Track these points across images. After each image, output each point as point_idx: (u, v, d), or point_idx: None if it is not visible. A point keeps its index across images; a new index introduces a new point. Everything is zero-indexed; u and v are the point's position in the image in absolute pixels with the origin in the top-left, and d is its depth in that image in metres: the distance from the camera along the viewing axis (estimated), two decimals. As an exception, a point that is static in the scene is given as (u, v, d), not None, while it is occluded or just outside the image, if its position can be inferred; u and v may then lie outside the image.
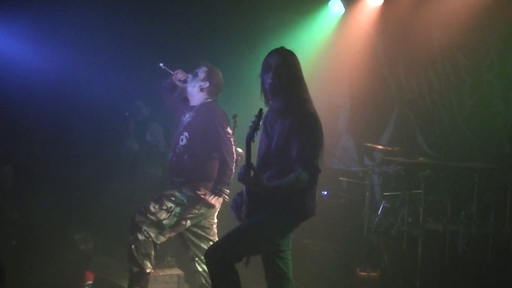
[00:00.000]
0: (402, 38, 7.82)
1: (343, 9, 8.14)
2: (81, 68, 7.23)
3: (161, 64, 5.59)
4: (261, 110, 3.85)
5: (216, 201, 5.25)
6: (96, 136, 7.56)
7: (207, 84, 5.40)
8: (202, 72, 5.42)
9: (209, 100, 5.43)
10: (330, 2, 8.12)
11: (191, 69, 5.51)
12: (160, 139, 7.75)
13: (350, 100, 8.56)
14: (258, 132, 3.84)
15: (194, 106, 5.43)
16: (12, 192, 6.95)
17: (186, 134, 5.31)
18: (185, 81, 5.44)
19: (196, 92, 5.42)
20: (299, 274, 6.26)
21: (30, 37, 7.03)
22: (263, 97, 4.17)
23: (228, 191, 5.29)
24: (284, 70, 4.02)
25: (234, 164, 5.29)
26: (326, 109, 8.57)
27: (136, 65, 7.42)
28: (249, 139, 3.84)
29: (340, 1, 8.08)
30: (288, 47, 4.19)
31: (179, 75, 5.49)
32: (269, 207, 3.96)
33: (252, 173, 3.77)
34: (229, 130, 5.30)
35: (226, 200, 5.28)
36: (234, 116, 5.51)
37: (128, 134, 7.50)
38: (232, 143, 5.30)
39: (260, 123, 3.83)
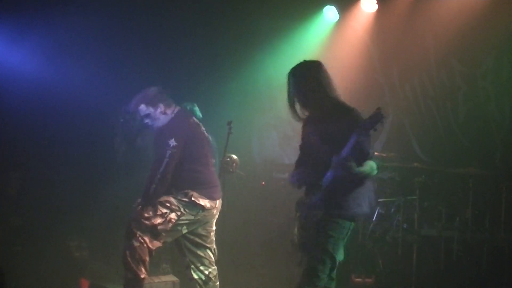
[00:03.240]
0: (396, 45, 7.83)
1: (338, 16, 8.16)
2: (77, 75, 7.22)
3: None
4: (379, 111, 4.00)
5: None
6: (89, 143, 7.54)
7: (160, 105, 5.29)
8: (146, 109, 5.31)
9: (176, 111, 5.37)
10: (324, 9, 8.13)
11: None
12: (150, 147, 7.72)
13: (345, 106, 8.54)
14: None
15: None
16: (17, 199, 6.95)
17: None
18: (147, 117, 5.36)
19: (164, 119, 5.32)
20: (294, 280, 6.28)
21: (34, 48, 7.05)
22: (294, 116, 4.42)
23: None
24: (304, 83, 4.29)
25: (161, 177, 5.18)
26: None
27: (133, 69, 7.41)
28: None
29: (334, 8, 8.09)
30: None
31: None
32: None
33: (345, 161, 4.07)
34: (171, 142, 5.14)
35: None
36: (229, 123, 5.50)
37: (115, 134, 7.49)
38: (167, 156, 5.12)
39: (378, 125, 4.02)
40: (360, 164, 4.15)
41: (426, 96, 7.73)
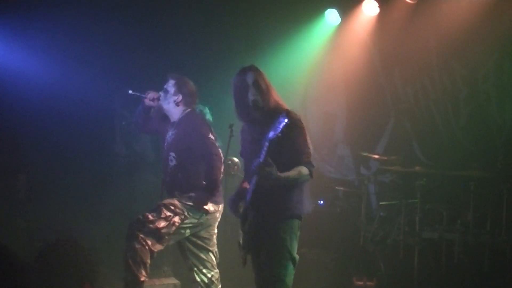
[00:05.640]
0: (398, 47, 7.83)
1: (339, 19, 8.15)
2: (82, 78, 7.23)
3: (130, 91, 5.53)
4: None
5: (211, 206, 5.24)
6: (91, 145, 7.55)
7: (180, 97, 5.33)
8: (171, 87, 5.35)
9: (188, 110, 5.38)
10: (326, 12, 8.12)
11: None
12: (148, 150, 7.70)
13: (346, 109, 8.57)
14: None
15: (174, 122, 5.39)
16: (23, 201, 6.96)
17: (173, 154, 5.27)
18: (158, 99, 5.39)
19: (172, 108, 5.36)
20: (295, 283, 6.27)
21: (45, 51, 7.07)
22: (240, 116, 4.29)
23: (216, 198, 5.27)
24: (261, 83, 4.22)
25: (223, 168, 5.28)
26: (322, 118, 8.57)
27: (137, 72, 7.42)
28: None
29: (336, 11, 8.09)
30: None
31: (151, 95, 5.43)
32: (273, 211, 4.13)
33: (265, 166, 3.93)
34: (211, 136, 5.24)
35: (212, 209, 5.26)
36: (231, 126, 5.49)
37: (114, 139, 7.48)
38: (218, 148, 5.25)
39: None
40: (289, 167, 4.03)
41: (428, 99, 7.74)
